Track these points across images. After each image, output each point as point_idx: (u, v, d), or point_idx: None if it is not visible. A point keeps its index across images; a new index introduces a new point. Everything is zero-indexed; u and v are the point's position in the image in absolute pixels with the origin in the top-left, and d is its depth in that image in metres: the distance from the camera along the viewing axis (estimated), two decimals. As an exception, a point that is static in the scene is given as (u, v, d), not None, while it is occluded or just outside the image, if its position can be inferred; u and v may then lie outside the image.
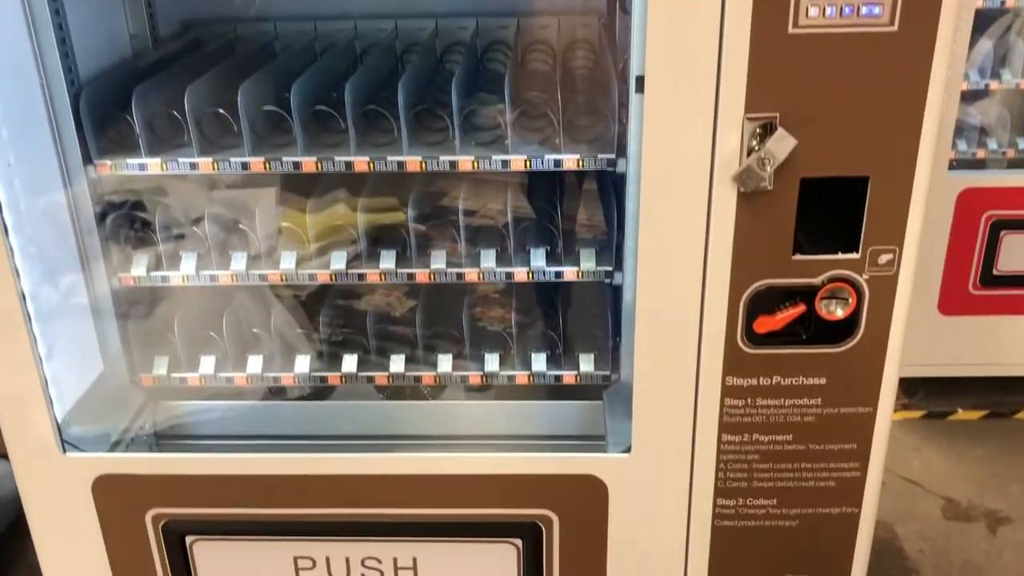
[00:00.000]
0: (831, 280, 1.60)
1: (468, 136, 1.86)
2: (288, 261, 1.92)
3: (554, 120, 1.82)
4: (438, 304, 2.15)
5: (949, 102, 2.76)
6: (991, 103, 3.29)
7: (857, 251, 1.58)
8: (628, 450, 1.77)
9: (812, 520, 1.83)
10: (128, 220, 1.93)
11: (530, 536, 1.87)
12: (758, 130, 1.48)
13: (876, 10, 1.42)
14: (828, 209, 1.55)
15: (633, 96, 1.57)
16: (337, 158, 1.81)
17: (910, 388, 3.53)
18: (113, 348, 2.01)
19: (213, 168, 1.81)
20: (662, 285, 1.63)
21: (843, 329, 1.64)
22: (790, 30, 1.42)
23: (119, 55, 2.09)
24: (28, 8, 1.72)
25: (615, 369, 1.97)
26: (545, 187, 2.04)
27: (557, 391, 2.05)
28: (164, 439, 2.10)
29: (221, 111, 1.84)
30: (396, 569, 1.93)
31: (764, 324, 1.63)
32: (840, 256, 1.59)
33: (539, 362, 2.01)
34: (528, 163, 1.79)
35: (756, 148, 1.49)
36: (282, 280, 1.93)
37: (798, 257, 1.59)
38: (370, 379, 2.04)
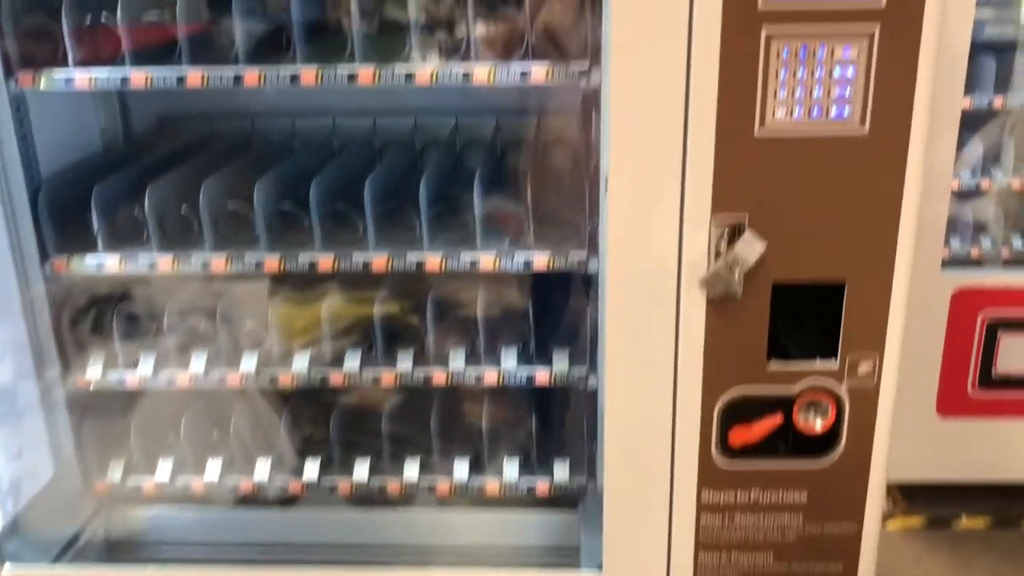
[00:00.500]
0: (809, 390, 1.52)
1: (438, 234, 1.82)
2: (249, 363, 1.85)
3: (526, 220, 1.78)
4: (408, 403, 2.07)
5: (939, 201, 2.72)
6: (984, 202, 3.25)
7: (835, 358, 1.51)
8: (601, 566, 1.67)
9: (800, 646, 1.71)
10: (85, 320, 1.87)
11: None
12: (726, 233, 1.43)
13: (846, 112, 1.38)
14: (803, 314, 1.48)
15: (602, 196, 1.54)
16: (301, 258, 1.77)
17: (910, 494, 3.39)
18: (66, 451, 1.92)
19: (173, 267, 1.76)
20: (631, 391, 1.56)
21: (823, 442, 1.56)
22: (756, 132, 1.38)
23: (88, 149, 2.07)
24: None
25: (591, 476, 1.87)
26: (520, 287, 1.98)
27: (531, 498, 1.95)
28: (117, 548, 1.99)
29: (184, 210, 1.79)
30: None
31: (740, 436, 1.55)
32: (818, 364, 1.52)
33: (511, 469, 1.92)
34: (497, 262, 1.74)
35: (724, 252, 1.43)
36: (241, 383, 1.86)
37: (773, 365, 1.52)
38: (332, 489, 1.95)
